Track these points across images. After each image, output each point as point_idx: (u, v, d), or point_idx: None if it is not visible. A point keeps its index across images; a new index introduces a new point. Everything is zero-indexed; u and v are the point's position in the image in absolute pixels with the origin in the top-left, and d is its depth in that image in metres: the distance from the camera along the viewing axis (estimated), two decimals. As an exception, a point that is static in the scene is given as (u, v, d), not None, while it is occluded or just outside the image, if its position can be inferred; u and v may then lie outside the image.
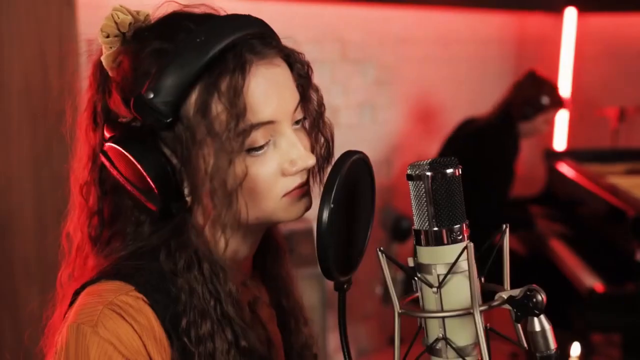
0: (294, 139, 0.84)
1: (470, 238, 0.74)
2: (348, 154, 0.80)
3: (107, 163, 0.83)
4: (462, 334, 0.73)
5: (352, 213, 0.82)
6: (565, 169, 3.24)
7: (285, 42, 0.87)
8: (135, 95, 0.78)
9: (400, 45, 3.50)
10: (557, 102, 3.05)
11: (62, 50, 1.97)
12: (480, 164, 2.83)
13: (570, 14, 3.88)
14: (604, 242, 2.69)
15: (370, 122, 3.45)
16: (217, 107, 0.78)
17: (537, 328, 0.71)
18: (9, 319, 1.98)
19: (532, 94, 2.99)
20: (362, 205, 0.85)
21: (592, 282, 2.43)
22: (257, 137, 0.80)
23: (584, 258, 2.68)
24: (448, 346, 0.73)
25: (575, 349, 1.65)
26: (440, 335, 0.73)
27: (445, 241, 0.72)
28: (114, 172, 0.82)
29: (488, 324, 0.76)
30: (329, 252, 0.76)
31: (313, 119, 0.89)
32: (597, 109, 3.64)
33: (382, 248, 0.74)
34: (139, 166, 0.80)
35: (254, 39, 0.81)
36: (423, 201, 0.73)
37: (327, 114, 0.91)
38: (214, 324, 0.83)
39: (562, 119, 3.94)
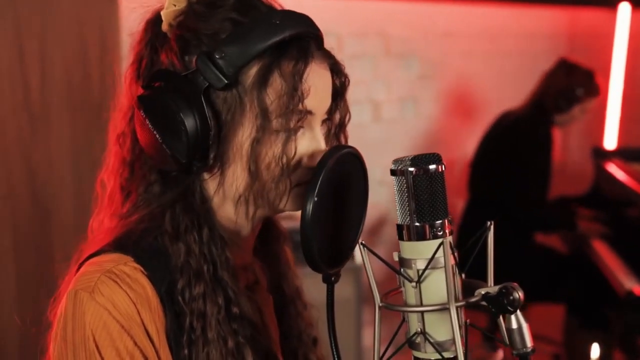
0: (320, 136, 0.89)
1: (452, 233, 0.74)
2: (336, 148, 0.82)
3: (139, 111, 0.85)
4: (441, 329, 0.74)
5: (341, 207, 0.84)
6: (613, 169, 3.15)
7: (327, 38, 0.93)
8: (200, 52, 0.83)
9: (445, 40, 3.46)
10: (593, 91, 2.89)
11: (103, 46, 2.04)
12: (515, 160, 2.76)
13: (624, 9, 3.76)
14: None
15: (413, 117, 3.43)
16: (274, 85, 0.84)
17: (514, 325, 0.71)
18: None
19: (565, 85, 2.84)
20: (353, 199, 0.86)
21: (632, 284, 2.37)
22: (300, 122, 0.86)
23: (626, 260, 2.61)
24: (427, 341, 0.74)
25: (595, 350, 1.61)
26: (419, 329, 0.74)
27: (427, 236, 0.73)
28: (145, 120, 0.84)
29: (468, 320, 0.76)
30: (312, 244, 0.78)
31: (335, 126, 0.94)
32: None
33: (363, 242, 0.75)
34: (180, 114, 0.82)
35: (312, 39, 0.88)
36: (405, 196, 0.73)
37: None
38: (207, 286, 0.85)
39: (613, 116, 3.82)
